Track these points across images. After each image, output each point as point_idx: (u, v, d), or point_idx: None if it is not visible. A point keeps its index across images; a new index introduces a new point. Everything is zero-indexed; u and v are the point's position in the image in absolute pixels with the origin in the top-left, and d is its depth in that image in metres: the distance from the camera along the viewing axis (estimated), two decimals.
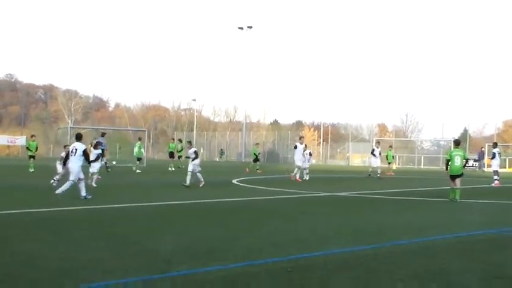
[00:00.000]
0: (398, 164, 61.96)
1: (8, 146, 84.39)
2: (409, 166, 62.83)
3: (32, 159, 32.66)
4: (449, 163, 18.57)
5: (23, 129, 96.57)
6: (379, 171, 33.94)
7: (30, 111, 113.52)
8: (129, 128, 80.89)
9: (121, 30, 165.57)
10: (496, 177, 27.54)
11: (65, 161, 16.75)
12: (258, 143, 46.69)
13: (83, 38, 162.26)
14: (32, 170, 31.42)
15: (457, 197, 18.14)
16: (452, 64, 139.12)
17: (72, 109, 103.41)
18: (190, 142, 23.76)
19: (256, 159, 39.33)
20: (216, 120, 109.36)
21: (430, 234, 10.93)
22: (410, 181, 31.52)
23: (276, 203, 17.63)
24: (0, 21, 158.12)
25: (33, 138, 35.69)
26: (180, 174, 33.12)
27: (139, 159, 35.87)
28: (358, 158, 69.74)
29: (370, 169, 35.04)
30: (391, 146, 44.13)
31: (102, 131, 37.01)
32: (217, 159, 75.82)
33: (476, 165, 55.25)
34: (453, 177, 18.43)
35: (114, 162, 40.53)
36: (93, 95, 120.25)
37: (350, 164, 67.41)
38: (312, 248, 9.22)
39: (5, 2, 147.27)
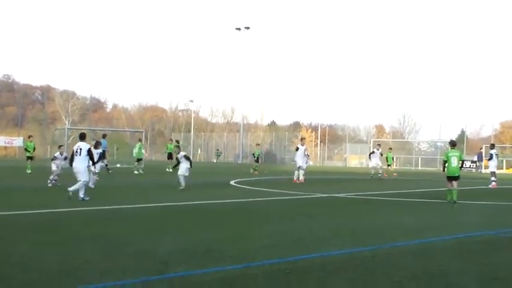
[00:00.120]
0: (396, 165, 61.93)
1: (5, 147, 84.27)
2: (406, 167, 62.84)
3: (30, 160, 32.54)
4: (446, 164, 18.58)
5: (20, 130, 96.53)
6: (380, 172, 33.99)
7: (27, 112, 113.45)
8: (126, 129, 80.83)
9: (118, 31, 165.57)
10: (493, 178, 27.55)
11: (70, 161, 16.75)
12: (258, 144, 46.61)
13: (81, 39, 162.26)
14: (29, 171, 31.33)
15: (454, 197, 18.15)
16: (450, 66, 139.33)
17: (70, 110, 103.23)
18: (178, 146, 23.54)
19: (257, 160, 39.31)
20: (214, 121, 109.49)
21: (428, 236, 10.92)
22: (408, 182, 31.53)
23: (273, 204, 17.62)
24: None
25: (31, 138, 35.57)
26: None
27: (139, 160, 35.70)
28: (355, 159, 69.75)
29: (372, 171, 34.87)
30: (390, 148, 44.03)
31: (103, 132, 36.92)
32: (215, 161, 75.78)
33: (474, 166, 55.32)
34: (450, 179, 18.43)
35: (118, 165, 40.21)
36: (91, 96, 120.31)
37: (347, 165, 67.40)
38: (309, 249, 9.20)
39: (3, 3, 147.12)
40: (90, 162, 16.97)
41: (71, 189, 16.15)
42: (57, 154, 22.26)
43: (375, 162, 34.66)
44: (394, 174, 39.60)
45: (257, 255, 8.51)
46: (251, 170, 38.09)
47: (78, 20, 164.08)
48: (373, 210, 16.49)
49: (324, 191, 22.08)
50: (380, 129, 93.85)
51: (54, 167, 21.71)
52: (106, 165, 29.87)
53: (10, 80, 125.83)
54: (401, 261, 8.42)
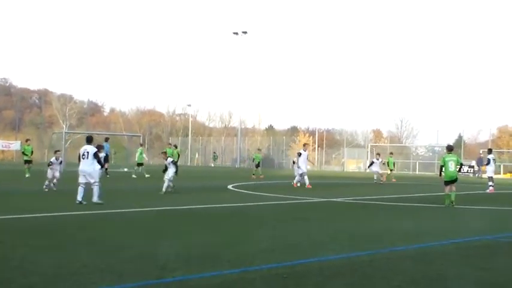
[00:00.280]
0: (394, 170, 61.90)
1: (3, 151, 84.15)
2: (404, 172, 62.84)
3: (28, 164, 32.46)
4: (443, 169, 18.59)
5: (18, 133, 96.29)
6: (381, 178, 34.05)
7: (24, 116, 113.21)
8: (124, 133, 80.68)
9: (116, 35, 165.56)
10: (490, 183, 27.56)
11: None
12: (259, 149, 46.53)
13: (78, 42, 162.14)
14: (28, 175, 31.26)
15: (453, 199, 18.16)
16: (447, 70, 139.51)
17: (67, 114, 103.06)
18: (165, 153, 23.42)
19: (258, 165, 39.28)
20: (211, 125, 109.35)
21: (427, 240, 10.90)
22: (406, 187, 31.53)
23: (270, 208, 17.58)
24: None
25: (28, 142, 35.53)
26: (177, 179, 33.05)
27: (140, 164, 35.58)
28: (353, 164, 69.76)
29: (375, 176, 34.82)
30: (391, 153, 43.95)
31: (105, 136, 36.84)
32: (212, 165, 75.74)
33: (471, 171, 55.35)
34: (447, 183, 18.43)
35: (125, 169, 39.89)
36: (88, 100, 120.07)
37: (345, 170, 67.41)
38: (307, 254, 9.18)
39: (0, 7, 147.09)
40: (98, 166, 16.98)
41: (95, 200, 16.29)
42: (53, 159, 21.96)
43: (375, 170, 34.71)
44: (393, 180, 39.55)
45: (254, 260, 8.47)
46: (254, 177, 38.00)
47: (76, 24, 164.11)
48: (371, 214, 16.47)
49: (322, 196, 22.05)
50: (377, 134, 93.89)
51: (49, 173, 21.40)
52: (106, 169, 29.76)
53: (7, 84, 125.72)
54: (399, 265, 8.39)
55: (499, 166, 53.45)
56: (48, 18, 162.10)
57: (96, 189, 16.44)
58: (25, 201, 18.05)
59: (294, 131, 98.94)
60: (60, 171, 21.93)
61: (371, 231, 12.35)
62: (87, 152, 16.58)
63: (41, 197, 19.25)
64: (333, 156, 76.66)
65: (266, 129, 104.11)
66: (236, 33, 72.86)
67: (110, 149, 41.71)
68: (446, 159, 18.63)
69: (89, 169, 16.54)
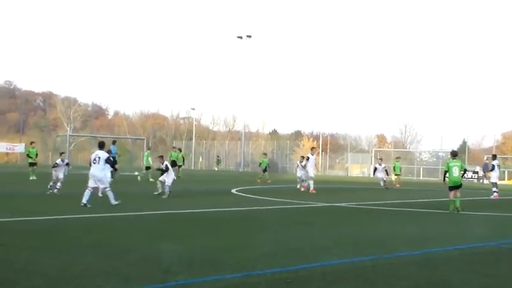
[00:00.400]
0: (395, 176, 61.80)
1: (7, 154, 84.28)
2: (407, 177, 62.74)
3: (33, 166, 32.48)
4: (447, 174, 18.58)
5: (22, 136, 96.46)
6: (384, 184, 33.95)
7: (29, 119, 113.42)
8: (128, 136, 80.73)
9: (120, 39, 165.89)
10: (494, 189, 27.50)
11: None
12: (265, 153, 46.48)
13: (83, 45, 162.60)
14: (34, 177, 31.27)
15: (457, 205, 18.14)
16: (452, 76, 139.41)
17: (71, 117, 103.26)
18: (162, 156, 23.31)
19: (265, 169, 39.27)
20: (215, 129, 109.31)
21: (431, 246, 10.87)
22: (410, 192, 31.47)
23: (274, 213, 17.57)
24: None
25: (33, 145, 35.52)
26: (181, 183, 33.07)
27: (148, 168, 35.54)
28: (357, 169, 69.66)
29: (381, 182, 34.64)
30: (398, 157, 43.69)
31: (112, 139, 36.85)
32: (216, 168, 75.73)
33: (475, 176, 55.27)
34: (452, 188, 18.40)
35: (136, 173, 39.75)
36: (92, 102, 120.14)
37: (349, 175, 67.33)
38: (310, 258, 9.16)
39: (5, 9, 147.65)
40: (109, 172, 17.12)
41: (113, 202, 16.55)
42: (58, 161, 21.91)
43: (380, 177, 34.59)
44: (397, 185, 39.50)
45: (257, 264, 8.46)
46: (259, 180, 37.96)
47: (80, 27, 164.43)
48: (375, 219, 16.45)
49: (325, 200, 22.02)
50: (381, 138, 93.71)
51: (54, 174, 21.36)
52: (116, 170, 29.77)
53: (12, 87, 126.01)
54: (403, 271, 8.37)
55: (503, 172, 53.28)
56: (53, 21, 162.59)
57: (109, 194, 16.71)
58: (30, 203, 18.08)
59: (298, 135, 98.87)
60: (64, 173, 21.85)
61: (374, 236, 12.33)
62: (99, 157, 16.76)
63: (45, 199, 19.27)
64: (337, 160, 76.56)
65: (270, 133, 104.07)
66: (240, 37, 72.90)
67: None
68: (450, 164, 18.62)
69: (100, 174, 16.72)
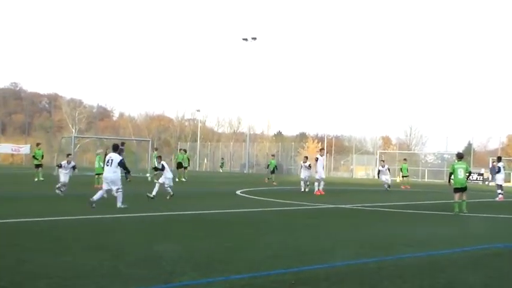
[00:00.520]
0: (402, 177, 61.73)
1: (12, 155, 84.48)
2: (412, 179, 62.66)
3: (39, 168, 32.53)
4: (452, 176, 18.56)
5: (27, 137, 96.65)
6: (388, 185, 33.87)
7: (34, 120, 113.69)
8: (133, 138, 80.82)
9: (126, 41, 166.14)
10: (500, 191, 27.43)
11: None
12: (274, 155, 46.38)
13: (88, 47, 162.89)
14: (41, 178, 31.35)
15: (464, 208, 18.14)
16: (457, 77, 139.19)
17: (76, 118, 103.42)
18: (160, 157, 23.20)
19: (272, 171, 39.26)
20: (220, 131, 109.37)
21: (436, 248, 10.84)
22: (415, 194, 31.40)
23: (278, 214, 17.55)
24: (5, 30, 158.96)
25: (39, 146, 35.58)
26: (185, 185, 33.12)
27: (156, 169, 35.46)
28: (361, 171, 69.58)
29: (385, 185, 34.49)
30: (405, 159, 43.53)
31: (119, 140, 36.83)
32: (221, 170, 75.73)
33: (480, 178, 55.17)
34: (457, 190, 18.37)
35: (147, 174, 39.73)
36: (97, 104, 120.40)
37: (354, 177, 67.26)
38: (314, 260, 9.15)
39: (11, 12, 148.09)
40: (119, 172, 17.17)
41: (120, 205, 16.57)
42: (63, 162, 21.84)
43: (385, 178, 34.48)
44: (402, 187, 39.46)
45: (262, 265, 8.45)
46: (266, 180, 37.93)
47: (85, 29, 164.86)
48: (380, 221, 16.42)
49: (330, 202, 22.00)
50: (386, 140, 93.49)
51: (62, 176, 21.30)
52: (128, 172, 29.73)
53: (17, 88, 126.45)
54: (408, 273, 8.35)
55: (509, 174, 53.16)
56: (58, 24, 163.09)
57: (119, 195, 16.73)
58: (33, 205, 18.11)
59: (302, 137, 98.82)
60: (69, 176, 21.78)
61: (379, 238, 12.31)
62: (112, 160, 16.88)
63: (49, 201, 19.30)
64: (342, 162, 76.50)
65: (275, 135, 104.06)
66: (245, 39, 72.95)
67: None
68: (455, 166, 18.61)
69: (112, 176, 16.82)
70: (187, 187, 30.81)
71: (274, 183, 36.96)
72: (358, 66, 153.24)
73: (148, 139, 61.58)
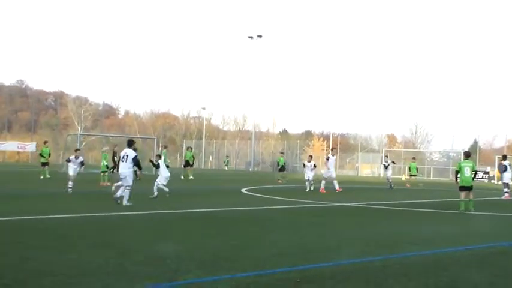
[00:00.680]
0: (408, 175, 61.63)
1: (18, 152, 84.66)
2: (418, 177, 62.53)
3: (45, 166, 32.55)
4: (459, 175, 18.53)
5: (33, 135, 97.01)
6: (390, 184, 33.74)
7: (40, 118, 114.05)
8: (138, 136, 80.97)
9: (132, 39, 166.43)
10: (506, 189, 27.34)
11: (114, 166, 17.17)
12: (282, 152, 46.36)
13: (94, 45, 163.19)
14: (48, 176, 31.42)
15: (471, 206, 18.12)
16: (463, 76, 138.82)
17: (82, 116, 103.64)
18: (159, 155, 23.09)
19: (281, 169, 39.20)
20: (225, 128, 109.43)
21: (441, 246, 10.83)
22: (420, 192, 31.32)
23: (283, 212, 17.54)
24: (11, 29, 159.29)
25: (46, 144, 35.61)
26: (191, 182, 33.15)
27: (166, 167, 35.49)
28: (367, 169, 69.53)
29: (390, 180, 34.41)
30: (414, 158, 43.30)
31: (128, 138, 36.87)
32: (226, 168, 75.73)
33: (486, 177, 55.05)
34: (463, 189, 18.34)
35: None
36: (103, 102, 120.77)
37: (359, 175, 67.20)
38: (320, 258, 9.15)
39: (17, 10, 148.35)
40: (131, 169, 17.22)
41: (126, 202, 16.54)
42: (71, 157, 21.56)
43: (388, 175, 34.42)
44: (407, 185, 39.38)
45: (267, 263, 8.46)
46: (279, 178, 37.88)
47: (91, 27, 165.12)
48: (385, 219, 16.40)
49: (335, 200, 21.97)
50: (392, 138, 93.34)
51: (70, 172, 21.14)
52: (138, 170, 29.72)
53: (23, 86, 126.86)
54: (413, 271, 8.33)
55: None
56: (64, 21, 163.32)
57: (127, 193, 16.73)
58: (39, 202, 18.14)
59: (308, 135, 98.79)
60: (76, 171, 21.56)
61: (384, 236, 12.30)
62: (127, 156, 16.98)
63: (54, 198, 19.35)
64: (347, 160, 76.46)
65: (280, 133, 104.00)
66: (251, 37, 72.93)
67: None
68: (462, 164, 18.59)
69: (126, 172, 16.90)
70: (192, 185, 30.84)
71: (279, 181, 36.95)
72: (364, 64, 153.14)
73: (154, 137, 61.73)
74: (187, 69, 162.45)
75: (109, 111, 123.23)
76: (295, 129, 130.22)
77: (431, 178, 61.91)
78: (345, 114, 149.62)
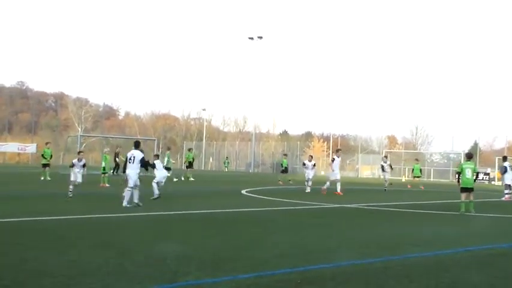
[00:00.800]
0: (408, 177, 61.67)
1: (18, 154, 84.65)
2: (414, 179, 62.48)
3: (46, 167, 32.48)
4: (460, 176, 18.53)
5: (34, 136, 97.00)
6: (386, 185, 33.48)
7: (40, 119, 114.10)
8: (138, 137, 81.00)
9: (132, 40, 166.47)
10: (507, 191, 27.32)
11: (124, 168, 17.22)
12: (286, 154, 46.30)
13: (94, 46, 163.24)
14: (49, 178, 31.36)
15: (471, 208, 18.11)
16: (463, 77, 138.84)
17: (82, 117, 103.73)
18: (157, 155, 23.00)
19: (283, 171, 39.15)
20: (226, 130, 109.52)
21: (442, 248, 10.81)
22: (420, 194, 31.32)
23: (284, 213, 17.53)
24: (12, 30, 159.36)
25: (48, 145, 35.54)
26: (191, 184, 33.15)
27: (168, 169, 35.54)
28: (367, 170, 69.53)
29: (387, 183, 34.16)
30: (417, 159, 43.14)
31: (135, 140, 36.94)
32: (226, 169, 75.76)
33: (486, 178, 55.04)
34: (464, 190, 18.33)
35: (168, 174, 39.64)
36: (104, 103, 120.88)
37: (359, 176, 67.18)
38: (320, 259, 9.13)
39: (17, 11, 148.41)
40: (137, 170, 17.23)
41: (125, 204, 16.54)
42: (74, 161, 21.11)
43: (386, 176, 34.09)
44: (409, 186, 39.36)
45: (268, 265, 8.44)
46: (280, 179, 37.84)
47: (92, 28, 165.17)
48: (386, 221, 16.38)
49: (336, 201, 21.97)
50: (392, 140, 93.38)
51: (73, 176, 20.45)
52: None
53: (24, 87, 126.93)
54: (414, 273, 8.31)
55: None
56: (65, 23, 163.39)
57: (127, 194, 16.75)
58: (40, 203, 18.14)
59: (308, 136, 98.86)
60: (82, 174, 21.11)
61: (385, 237, 12.28)
62: (134, 157, 17.03)
63: (56, 200, 19.32)
64: (347, 162, 76.41)
65: (280, 134, 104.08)
66: (251, 38, 73.00)
67: (125, 153, 41.87)
68: (463, 166, 18.59)
69: (132, 173, 16.95)
70: (192, 186, 30.84)
71: (280, 182, 36.93)
72: (364, 66, 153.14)
73: (154, 138, 61.71)
74: (188, 70, 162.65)
75: (109, 113, 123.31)
76: (295, 131, 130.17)
77: (432, 179, 61.89)
78: (345, 115, 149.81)
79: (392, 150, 73.56)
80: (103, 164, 27.74)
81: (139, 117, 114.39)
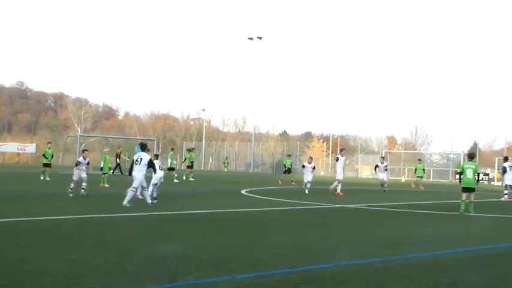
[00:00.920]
0: (408, 177, 61.73)
1: (18, 154, 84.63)
2: (417, 179, 62.46)
3: (47, 167, 32.47)
4: (462, 176, 18.55)
5: (33, 136, 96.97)
6: (385, 185, 33.21)
7: (40, 119, 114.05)
8: (138, 137, 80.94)
9: (132, 40, 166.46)
10: (506, 191, 27.32)
11: (130, 170, 17.28)
12: (289, 155, 46.36)
13: (94, 46, 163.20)
14: (48, 178, 31.31)
15: (471, 208, 18.12)
16: (463, 77, 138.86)
17: (82, 117, 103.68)
18: (157, 155, 22.88)
19: (286, 171, 39.05)
20: (225, 130, 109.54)
21: (441, 248, 10.81)
22: (420, 194, 31.32)
23: (283, 213, 17.52)
24: (12, 30, 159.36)
25: (49, 145, 35.54)
26: (191, 184, 33.13)
27: (171, 169, 35.63)
28: (367, 170, 69.51)
29: (385, 184, 33.28)
30: (420, 159, 43.02)
31: (141, 141, 36.94)
32: (226, 170, 75.76)
33: (486, 178, 55.07)
34: (465, 190, 18.33)
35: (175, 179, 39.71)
36: (103, 103, 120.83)
37: (359, 176, 67.18)
38: (320, 259, 9.12)
39: (17, 11, 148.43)
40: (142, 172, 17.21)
41: (126, 203, 16.52)
42: (80, 159, 20.93)
43: (381, 177, 33.39)
44: (413, 185, 39.33)
45: (267, 265, 8.43)
46: (292, 182, 37.69)
47: (91, 28, 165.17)
48: (386, 221, 16.38)
49: (335, 202, 21.96)
50: (392, 140, 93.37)
51: (76, 174, 20.38)
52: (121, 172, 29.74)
53: (23, 87, 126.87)
54: (414, 273, 8.31)
55: None
56: (64, 23, 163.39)
57: (129, 194, 16.75)
58: (40, 203, 18.12)
59: (308, 136, 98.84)
60: (87, 172, 20.99)
61: (385, 237, 12.28)
62: (141, 159, 17.07)
63: (55, 199, 19.32)
64: (347, 162, 76.32)
65: (280, 134, 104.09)
66: (251, 39, 73.02)
67: (123, 154, 42.05)
68: (465, 166, 18.62)
69: (138, 175, 16.97)
70: (192, 186, 30.83)
71: (280, 182, 36.90)
72: (364, 66, 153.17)
73: (154, 138, 61.69)
74: (187, 70, 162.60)
75: (109, 113, 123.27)
76: (295, 131, 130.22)
77: (431, 180, 61.88)
78: (345, 115, 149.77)
79: (392, 151, 73.59)
80: (102, 164, 27.70)
81: (138, 118, 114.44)
